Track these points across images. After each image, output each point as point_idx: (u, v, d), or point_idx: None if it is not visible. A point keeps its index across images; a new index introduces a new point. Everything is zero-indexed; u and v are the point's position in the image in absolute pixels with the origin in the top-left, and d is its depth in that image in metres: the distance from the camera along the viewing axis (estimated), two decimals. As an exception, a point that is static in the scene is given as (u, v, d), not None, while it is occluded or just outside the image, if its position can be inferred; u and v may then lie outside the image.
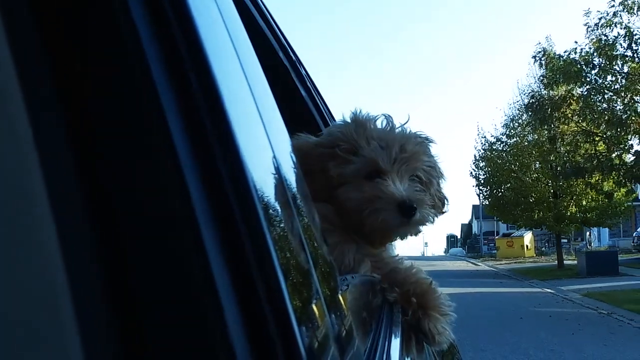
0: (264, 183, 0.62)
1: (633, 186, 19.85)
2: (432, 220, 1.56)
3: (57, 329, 0.41)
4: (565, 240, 42.24)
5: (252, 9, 1.59)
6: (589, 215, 27.67)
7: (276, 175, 0.74)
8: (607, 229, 43.27)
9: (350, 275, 1.28)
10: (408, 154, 1.52)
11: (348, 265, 1.40)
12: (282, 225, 0.67)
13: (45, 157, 0.43)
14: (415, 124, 1.62)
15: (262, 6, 1.79)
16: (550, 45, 25.97)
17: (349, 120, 1.58)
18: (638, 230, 35.10)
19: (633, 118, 15.61)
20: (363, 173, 1.50)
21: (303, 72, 2.40)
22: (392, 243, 1.66)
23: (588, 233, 41.09)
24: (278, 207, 0.67)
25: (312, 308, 0.70)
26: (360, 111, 1.59)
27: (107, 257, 0.46)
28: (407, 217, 1.47)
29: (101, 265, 0.45)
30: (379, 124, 1.57)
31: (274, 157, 0.75)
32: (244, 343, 0.49)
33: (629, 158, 16.57)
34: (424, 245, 72.74)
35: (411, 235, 1.59)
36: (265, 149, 0.73)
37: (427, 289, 1.43)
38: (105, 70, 0.50)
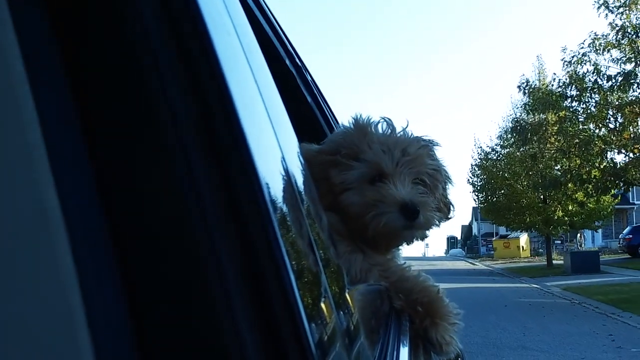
0: (274, 185, 0.62)
1: (600, 197, 22.75)
2: (437, 223, 1.54)
3: (69, 330, 0.40)
4: (559, 242, 44.77)
5: (258, 15, 1.59)
6: (575, 219, 30.42)
7: (286, 178, 0.73)
8: (600, 231, 45.95)
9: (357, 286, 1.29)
10: (411, 157, 1.50)
11: (355, 276, 1.39)
12: (292, 226, 0.67)
13: (56, 156, 0.43)
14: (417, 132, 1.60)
15: (269, 12, 1.78)
16: (541, 64, 28.98)
17: (350, 126, 1.56)
18: (624, 232, 36.95)
19: (596, 142, 18.59)
20: (365, 178, 1.48)
21: (309, 77, 2.39)
22: (399, 249, 1.63)
23: (579, 235, 43.40)
24: (288, 210, 0.67)
25: (321, 305, 0.70)
26: (360, 115, 1.57)
27: (120, 257, 0.46)
28: (411, 220, 1.45)
29: (115, 266, 0.45)
30: (379, 128, 1.55)
31: (283, 160, 0.75)
32: (255, 338, 0.49)
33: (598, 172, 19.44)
34: (424, 246, 74.70)
35: (417, 239, 1.57)
36: (275, 152, 0.73)
37: (434, 298, 1.43)
38: (117, 73, 0.49)
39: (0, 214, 0.41)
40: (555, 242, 43.23)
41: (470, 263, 44.34)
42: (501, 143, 32.37)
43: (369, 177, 1.48)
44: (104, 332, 0.42)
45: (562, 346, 10.19)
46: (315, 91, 2.47)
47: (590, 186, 19.23)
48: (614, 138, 18.31)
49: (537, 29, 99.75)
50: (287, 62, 1.98)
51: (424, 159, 1.53)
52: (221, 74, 0.55)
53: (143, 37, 0.50)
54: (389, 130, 1.55)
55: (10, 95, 0.43)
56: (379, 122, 1.56)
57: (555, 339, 10.84)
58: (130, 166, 0.48)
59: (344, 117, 2.67)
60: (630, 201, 48.51)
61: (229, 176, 0.52)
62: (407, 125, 1.58)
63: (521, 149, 27.97)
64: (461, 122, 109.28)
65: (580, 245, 42.92)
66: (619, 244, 37.84)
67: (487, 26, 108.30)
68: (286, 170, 0.76)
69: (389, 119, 1.57)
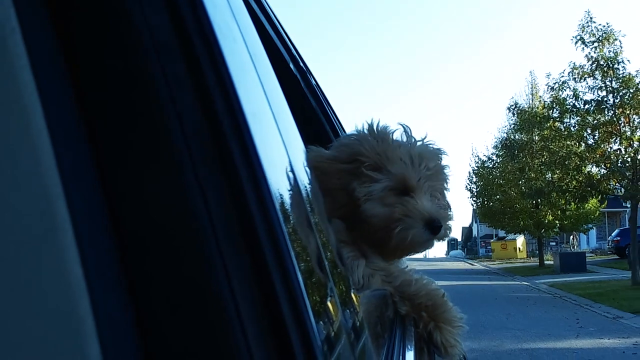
0: (282, 191, 0.63)
1: (577, 204, 25.64)
2: (449, 234, 1.58)
3: (76, 331, 0.40)
4: (554, 243, 47.10)
5: (263, 19, 1.59)
6: (565, 223, 33.08)
7: (293, 184, 0.75)
8: (595, 233, 48.41)
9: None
10: (432, 172, 1.54)
11: (358, 282, 1.42)
12: (299, 230, 0.69)
13: (64, 160, 0.43)
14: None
15: (273, 16, 1.77)
16: (534, 79, 31.75)
17: (364, 132, 1.57)
18: (612, 235, 38.99)
19: (573, 157, 21.48)
20: (390, 190, 1.50)
21: (313, 82, 2.40)
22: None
23: (572, 237, 45.56)
24: (296, 214, 0.69)
25: (328, 304, 0.73)
26: (378, 123, 1.57)
27: (126, 260, 0.46)
28: (434, 234, 1.50)
29: (120, 268, 0.46)
30: (397, 136, 1.56)
31: (291, 165, 0.76)
32: (262, 338, 0.49)
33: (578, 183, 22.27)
34: (425, 247, 76.02)
35: (428, 248, 1.60)
36: (283, 157, 0.74)
37: (439, 302, 1.44)
38: (124, 79, 0.49)
39: (9, 218, 0.41)
40: (550, 243, 45.53)
41: (469, 264, 46.40)
42: (497, 152, 34.89)
43: (394, 189, 1.50)
44: (109, 334, 0.42)
45: (536, 327, 12.76)
46: (320, 95, 2.46)
47: (570, 195, 22.10)
48: (588, 154, 21.16)
49: (538, 34, 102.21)
50: (292, 66, 1.97)
51: (442, 174, 1.60)
52: (229, 79, 0.55)
53: (150, 43, 0.50)
54: (410, 140, 1.57)
55: (18, 99, 0.42)
56: (396, 129, 1.57)
57: (531, 322, 13.44)
58: (136, 171, 0.48)
59: (344, 120, 2.71)
60: (624, 205, 50.80)
61: (237, 180, 0.52)
62: (426, 136, 1.59)
63: (510, 164, 30.88)
64: (461, 124, 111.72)
65: (573, 247, 45.01)
66: (608, 245, 39.81)
67: (490, 33, 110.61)
68: (293, 176, 0.76)
69: (407, 126, 1.59)
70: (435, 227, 1.51)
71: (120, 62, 0.49)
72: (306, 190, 0.86)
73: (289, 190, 0.71)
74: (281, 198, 0.61)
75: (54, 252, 0.41)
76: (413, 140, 1.58)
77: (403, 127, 1.59)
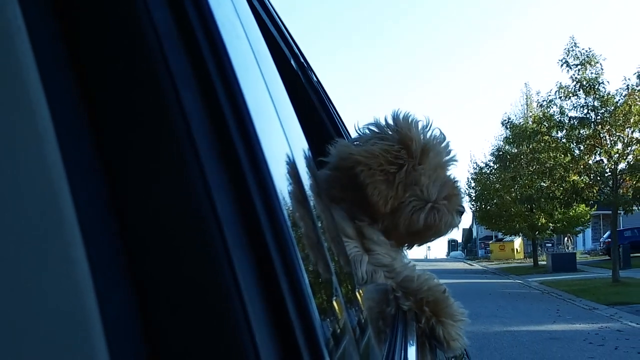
0: (286, 189, 0.64)
1: (563, 210, 28.24)
2: None
3: (83, 330, 0.40)
4: (550, 245, 49.08)
5: (264, 15, 1.61)
6: (558, 225, 35.27)
7: (296, 182, 0.75)
8: (590, 234, 50.43)
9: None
10: (453, 163, 1.69)
11: (362, 278, 1.45)
12: (304, 231, 0.69)
13: (68, 157, 0.43)
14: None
15: (274, 13, 1.80)
16: (528, 90, 34.07)
17: (392, 125, 1.62)
18: (604, 236, 41.08)
19: (558, 168, 23.81)
20: (433, 178, 1.60)
21: (314, 78, 2.42)
22: (404, 248, 1.73)
23: (566, 238, 47.56)
24: (299, 213, 0.69)
25: (333, 303, 0.74)
26: (406, 113, 1.63)
27: (131, 260, 0.46)
28: (460, 217, 1.65)
29: (126, 267, 0.46)
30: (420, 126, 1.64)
31: (294, 162, 0.77)
32: (269, 337, 0.50)
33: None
34: (427, 248, 78.23)
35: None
36: (286, 155, 0.75)
37: (440, 297, 1.45)
38: (129, 76, 0.49)
39: (16, 216, 0.41)
40: (546, 245, 47.56)
41: (469, 264, 48.22)
42: (493, 159, 36.89)
43: (435, 178, 1.63)
44: (115, 332, 0.42)
45: (521, 316, 14.91)
46: (321, 92, 2.51)
47: (557, 202, 24.48)
48: (572, 165, 23.51)
49: (538, 34, 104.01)
50: (292, 62, 2.01)
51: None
52: (234, 77, 0.55)
53: (155, 41, 0.50)
54: (436, 132, 1.66)
55: (24, 98, 0.42)
56: (419, 119, 1.66)
57: (517, 312, 15.61)
58: (141, 170, 0.48)
59: (345, 120, 2.89)
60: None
61: (242, 179, 0.53)
62: (447, 138, 1.69)
63: (504, 173, 33.33)
64: (461, 124, 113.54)
65: (568, 248, 46.85)
66: (600, 246, 42.01)
67: (490, 33, 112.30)
68: (297, 174, 0.77)
69: (427, 116, 1.67)
70: (462, 211, 1.68)
71: (126, 60, 0.50)
72: (309, 187, 0.87)
73: (294, 189, 0.71)
74: (286, 197, 0.61)
75: (60, 251, 0.41)
76: (441, 132, 1.68)
77: (426, 118, 1.67)
